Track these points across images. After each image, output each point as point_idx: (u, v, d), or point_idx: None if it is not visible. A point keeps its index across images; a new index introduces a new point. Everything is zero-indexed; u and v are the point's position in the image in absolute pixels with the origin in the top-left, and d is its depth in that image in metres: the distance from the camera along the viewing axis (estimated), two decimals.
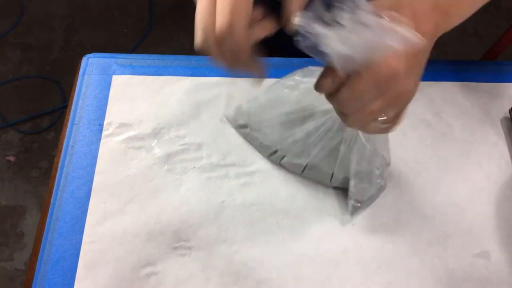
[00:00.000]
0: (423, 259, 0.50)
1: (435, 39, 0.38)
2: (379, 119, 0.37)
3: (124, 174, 0.53)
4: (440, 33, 0.38)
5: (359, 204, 0.51)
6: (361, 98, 0.34)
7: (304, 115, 0.50)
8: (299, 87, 0.50)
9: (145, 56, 0.63)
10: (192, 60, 0.62)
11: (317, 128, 0.49)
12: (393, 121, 0.38)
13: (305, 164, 0.51)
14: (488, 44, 1.06)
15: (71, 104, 0.58)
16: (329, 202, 0.53)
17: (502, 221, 0.53)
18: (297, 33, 0.31)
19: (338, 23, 0.30)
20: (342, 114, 0.38)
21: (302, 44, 0.31)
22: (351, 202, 0.51)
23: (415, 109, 0.60)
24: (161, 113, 0.58)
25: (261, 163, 0.55)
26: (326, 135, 0.48)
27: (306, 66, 0.51)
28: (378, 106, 0.35)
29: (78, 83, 0.60)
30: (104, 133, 0.56)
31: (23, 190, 1.45)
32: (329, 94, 0.37)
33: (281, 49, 0.59)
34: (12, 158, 1.50)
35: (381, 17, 0.31)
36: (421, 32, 0.32)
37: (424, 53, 0.36)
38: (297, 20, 0.30)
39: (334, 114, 0.46)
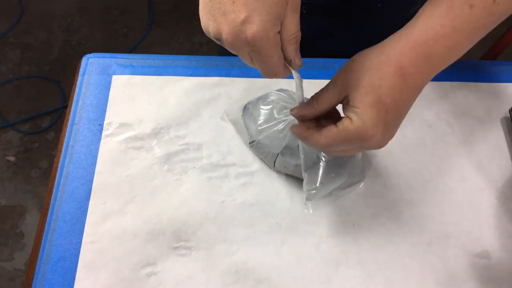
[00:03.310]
0: (423, 259, 0.50)
1: (422, 88, 0.41)
2: None
3: (124, 174, 0.53)
4: (430, 78, 0.41)
5: (313, 187, 0.49)
6: (331, 146, 0.41)
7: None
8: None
9: (145, 56, 0.63)
10: (192, 60, 0.62)
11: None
12: None
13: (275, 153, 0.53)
14: (488, 44, 1.06)
15: (71, 104, 0.58)
16: (329, 202, 0.53)
17: (502, 221, 0.53)
18: None
19: None
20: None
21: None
22: (305, 188, 0.49)
23: (415, 109, 0.60)
24: (161, 113, 0.58)
25: (261, 163, 0.55)
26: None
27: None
28: (344, 152, 0.42)
29: (78, 83, 0.60)
30: (104, 133, 0.56)
31: (23, 190, 1.45)
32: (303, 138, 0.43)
33: None
34: (12, 158, 1.50)
35: None
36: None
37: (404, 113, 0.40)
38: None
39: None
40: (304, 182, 0.49)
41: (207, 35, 0.39)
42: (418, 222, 0.52)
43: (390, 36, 0.40)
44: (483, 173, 0.56)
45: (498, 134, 0.59)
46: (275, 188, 0.53)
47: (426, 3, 0.40)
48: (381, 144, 0.40)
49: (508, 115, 0.60)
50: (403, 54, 0.38)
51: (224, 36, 0.36)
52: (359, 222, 0.52)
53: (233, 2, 0.34)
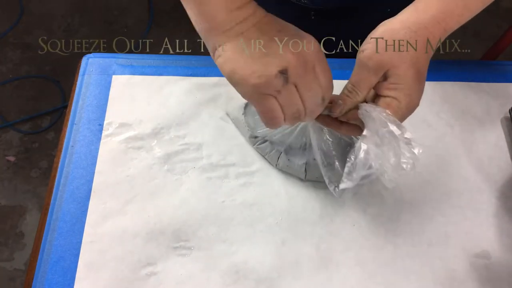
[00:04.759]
0: (423, 259, 0.50)
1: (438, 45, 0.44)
2: None
3: (124, 174, 0.53)
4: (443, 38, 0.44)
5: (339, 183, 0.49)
6: None
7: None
8: None
9: (145, 56, 0.63)
10: (192, 60, 0.62)
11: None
12: None
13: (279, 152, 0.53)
14: (488, 44, 1.06)
15: (71, 104, 0.58)
16: (329, 202, 0.53)
17: (502, 221, 0.53)
18: None
19: None
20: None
21: None
22: (331, 186, 0.49)
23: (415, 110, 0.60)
24: (161, 113, 0.58)
25: (261, 163, 0.55)
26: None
27: None
28: None
29: (78, 83, 0.60)
30: (104, 133, 0.56)
31: (23, 190, 1.45)
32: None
33: None
34: (12, 158, 1.50)
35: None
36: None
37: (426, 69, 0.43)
38: None
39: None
40: (325, 177, 0.49)
41: (253, 86, 0.37)
42: (418, 222, 0.52)
43: (408, 10, 0.43)
44: (483, 173, 0.56)
45: (498, 134, 0.59)
46: (275, 188, 0.53)
47: None
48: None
49: (508, 115, 0.60)
50: (430, 31, 0.42)
51: (294, 60, 0.36)
52: (359, 222, 0.52)
53: (281, 32, 0.37)
